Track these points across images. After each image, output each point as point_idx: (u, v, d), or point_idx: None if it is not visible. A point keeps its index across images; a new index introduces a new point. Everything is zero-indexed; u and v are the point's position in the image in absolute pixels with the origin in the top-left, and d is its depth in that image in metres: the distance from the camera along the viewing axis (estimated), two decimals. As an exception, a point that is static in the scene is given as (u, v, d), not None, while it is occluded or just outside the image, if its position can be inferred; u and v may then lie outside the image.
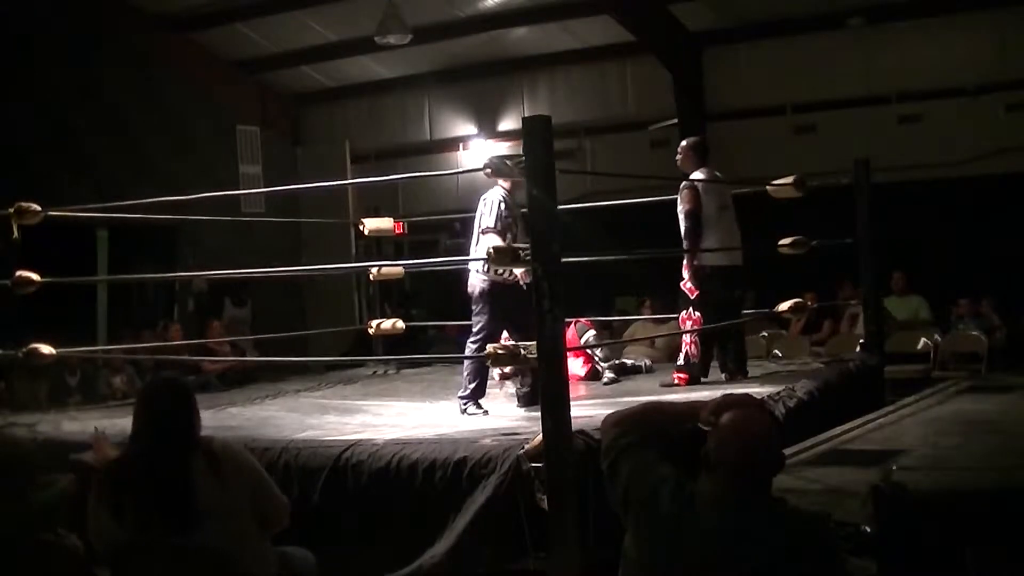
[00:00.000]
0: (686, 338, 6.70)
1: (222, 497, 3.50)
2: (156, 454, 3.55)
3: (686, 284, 6.64)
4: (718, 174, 6.99)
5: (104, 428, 5.88)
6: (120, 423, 5.92)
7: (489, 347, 5.04)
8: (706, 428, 2.70)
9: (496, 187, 6.10)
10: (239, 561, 3.50)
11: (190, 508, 3.44)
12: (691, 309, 6.62)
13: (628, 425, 2.83)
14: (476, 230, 6.07)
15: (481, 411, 5.98)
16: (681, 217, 6.63)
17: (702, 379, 6.72)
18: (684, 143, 6.93)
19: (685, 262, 6.64)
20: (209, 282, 12.30)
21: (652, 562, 2.64)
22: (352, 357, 10.21)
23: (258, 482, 3.68)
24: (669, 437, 2.85)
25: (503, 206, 5.97)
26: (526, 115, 5.41)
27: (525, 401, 6.03)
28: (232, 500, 3.53)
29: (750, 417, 2.71)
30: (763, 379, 6.89)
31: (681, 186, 6.68)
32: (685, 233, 6.61)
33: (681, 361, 6.74)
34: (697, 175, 6.70)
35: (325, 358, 10.35)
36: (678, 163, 6.90)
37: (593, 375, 7.35)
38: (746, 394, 2.95)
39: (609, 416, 2.93)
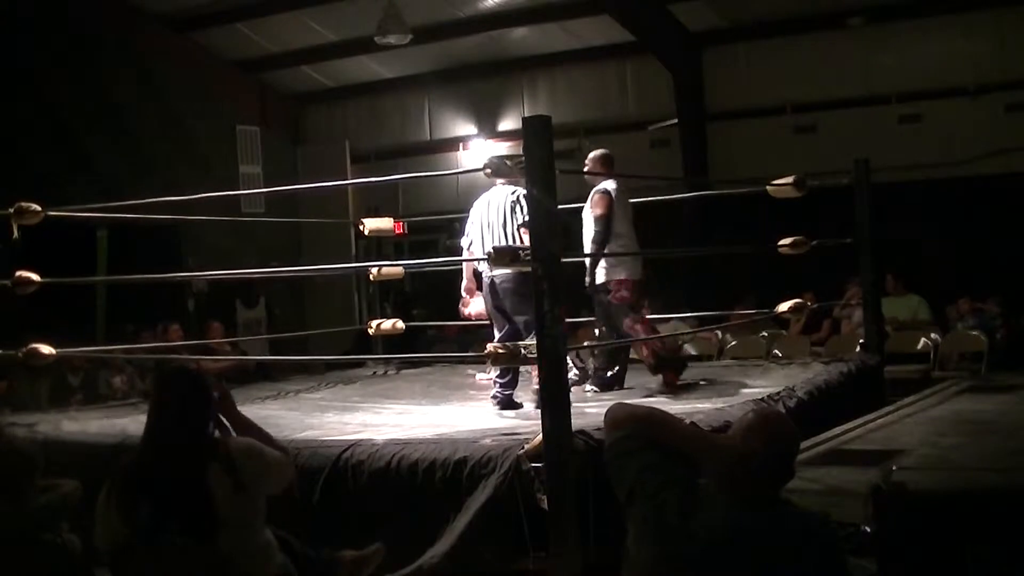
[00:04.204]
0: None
1: (237, 506, 3.41)
2: (171, 457, 3.44)
3: (617, 295, 6.63)
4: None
5: (104, 428, 5.92)
6: (120, 423, 5.94)
7: (489, 346, 5.03)
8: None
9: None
10: (245, 565, 3.45)
11: (205, 518, 3.35)
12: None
13: (632, 428, 2.83)
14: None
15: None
16: (591, 222, 6.63)
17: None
18: (591, 156, 6.89)
19: (589, 266, 6.66)
20: (209, 282, 12.29)
21: (655, 560, 2.64)
22: (352, 357, 10.20)
23: (267, 463, 3.57)
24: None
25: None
26: (526, 115, 5.40)
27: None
28: (247, 508, 3.45)
29: (777, 425, 2.73)
30: (763, 379, 6.90)
31: (592, 191, 6.70)
32: (595, 237, 6.59)
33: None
34: (609, 184, 6.65)
35: (325, 357, 10.36)
36: (587, 177, 6.89)
37: None
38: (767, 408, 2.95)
39: (613, 411, 2.92)
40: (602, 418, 2.96)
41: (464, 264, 6.78)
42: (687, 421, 3.12)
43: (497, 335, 6.23)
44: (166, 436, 3.50)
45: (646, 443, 2.77)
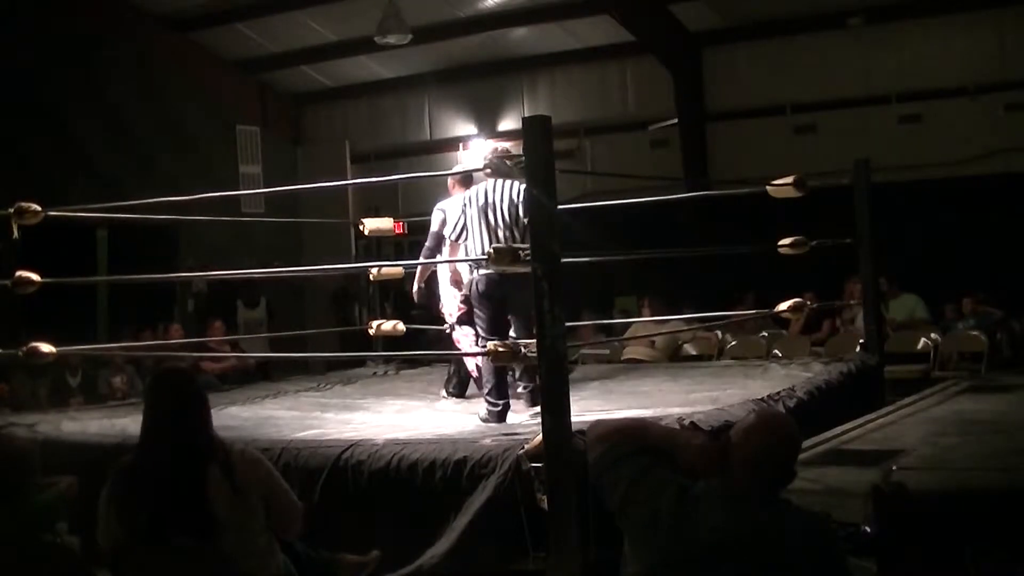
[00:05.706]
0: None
1: (236, 507, 3.42)
2: (168, 458, 3.44)
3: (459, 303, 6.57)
4: None
5: (104, 428, 5.92)
6: (120, 423, 5.94)
7: (489, 345, 5.02)
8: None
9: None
10: (245, 565, 3.46)
11: (204, 518, 3.36)
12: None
13: (617, 438, 2.83)
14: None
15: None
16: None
17: None
18: (451, 179, 6.80)
19: (418, 278, 6.81)
20: (209, 283, 12.28)
21: (654, 563, 2.64)
22: (352, 355, 10.19)
23: (273, 490, 3.60)
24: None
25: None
26: (526, 115, 5.39)
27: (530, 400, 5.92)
28: (246, 510, 3.47)
29: (779, 426, 2.73)
30: (763, 379, 6.89)
31: (435, 208, 6.72)
32: (424, 252, 6.73)
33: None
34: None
35: (325, 354, 10.35)
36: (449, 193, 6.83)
37: None
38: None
39: (594, 428, 2.94)
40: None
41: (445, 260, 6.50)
42: (686, 422, 3.13)
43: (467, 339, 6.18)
44: (162, 437, 3.51)
45: (634, 450, 2.78)
